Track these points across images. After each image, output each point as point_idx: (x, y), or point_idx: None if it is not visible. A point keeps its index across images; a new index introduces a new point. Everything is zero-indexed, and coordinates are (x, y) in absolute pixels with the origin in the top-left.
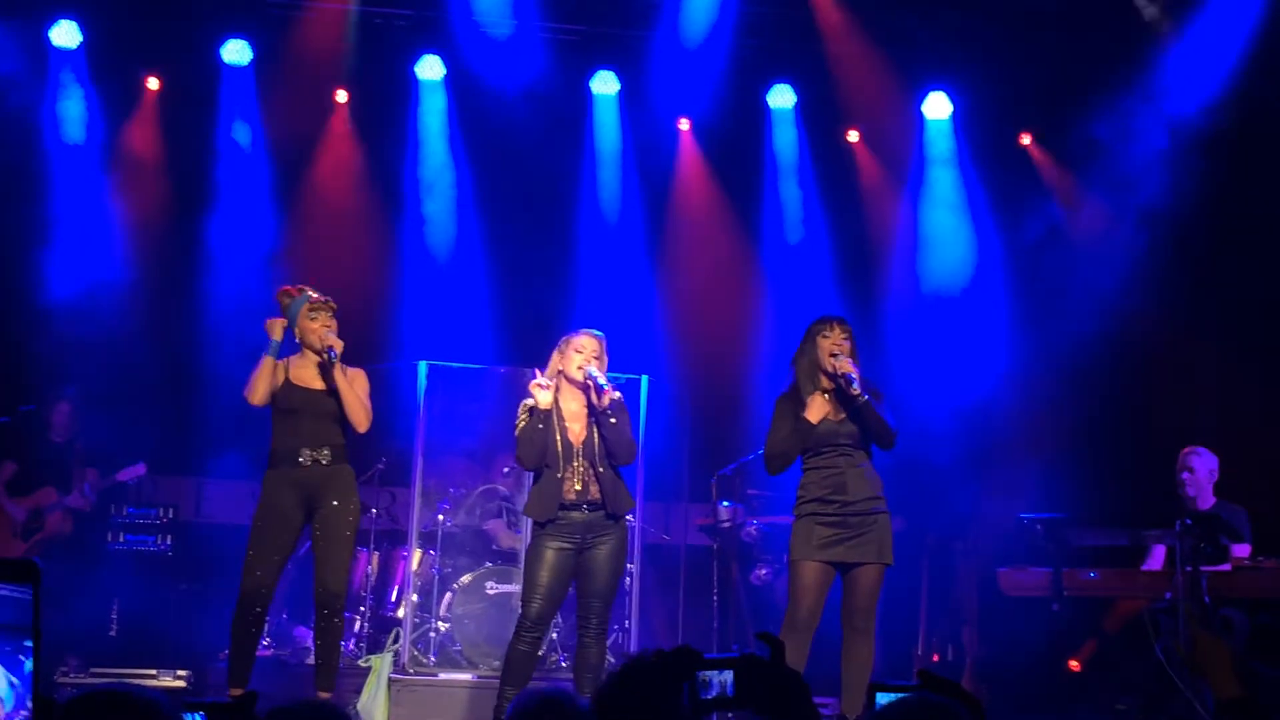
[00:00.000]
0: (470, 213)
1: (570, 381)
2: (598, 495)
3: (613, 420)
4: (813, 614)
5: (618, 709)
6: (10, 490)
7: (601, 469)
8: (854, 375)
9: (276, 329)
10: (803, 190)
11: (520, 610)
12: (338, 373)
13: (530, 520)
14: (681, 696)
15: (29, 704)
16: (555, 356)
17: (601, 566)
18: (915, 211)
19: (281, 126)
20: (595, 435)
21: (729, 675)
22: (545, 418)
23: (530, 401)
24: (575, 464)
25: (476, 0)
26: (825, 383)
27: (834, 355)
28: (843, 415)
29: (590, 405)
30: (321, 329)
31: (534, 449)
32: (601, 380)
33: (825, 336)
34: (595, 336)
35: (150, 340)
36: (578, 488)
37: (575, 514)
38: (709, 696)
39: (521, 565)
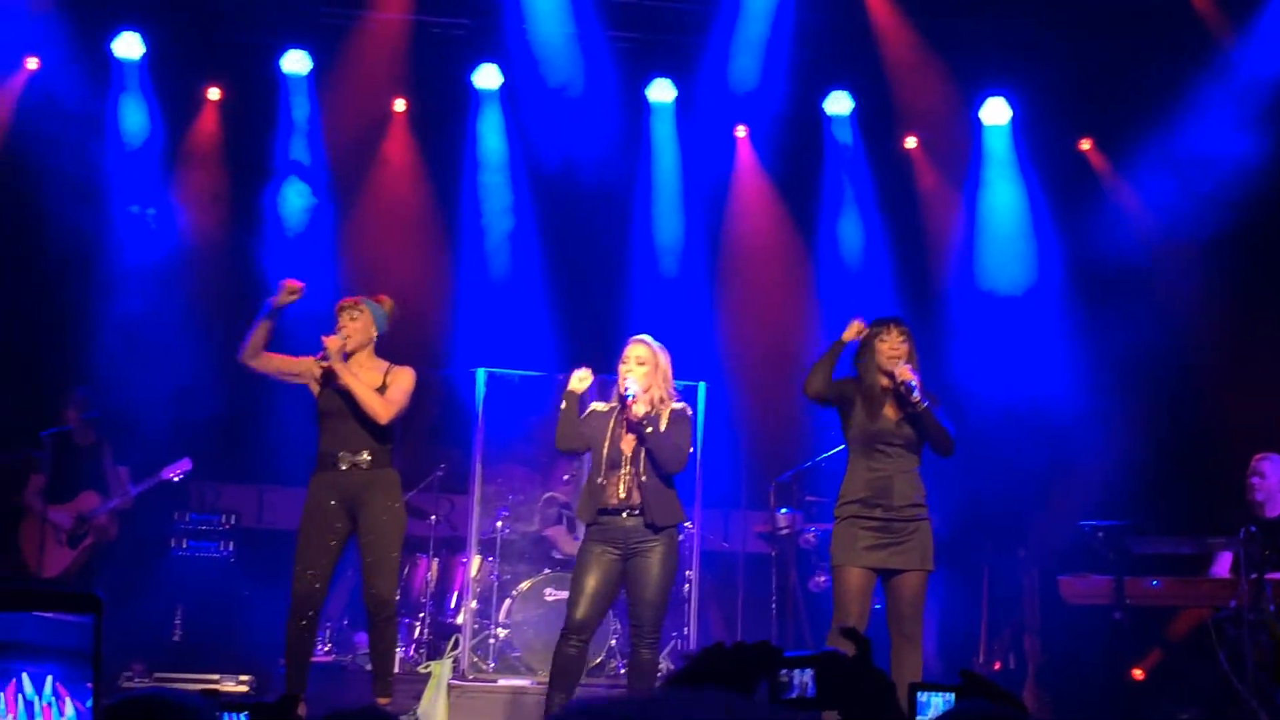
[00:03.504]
0: (528, 220)
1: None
2: (639, 502)
3: (648, 430)
4: (860, 620)
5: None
6: (48, 498)
7: (645, 477)
8: (914, 384)
9: (282, 293)
10: (860, 197)
11: (566, 614)
12: (339, 368)
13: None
14: (758, 694)
15: None
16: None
17: (650, 575)
18: (974, 217)
19: (340, 136)
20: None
21: (810, 674)
22: (584, 413)
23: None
24: (623, 470)
25: (533, 9)
26: (885, 382)
27: (893, 361)
28: (900, 415)
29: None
30: (338, 330)
31: (563, 432)
32: (630, 391)
33: (883, 340)
34: (644, 342)
35: (208, 347)
36: (621, 494)
37: (618, 519)
38: (789, 697)
39: None
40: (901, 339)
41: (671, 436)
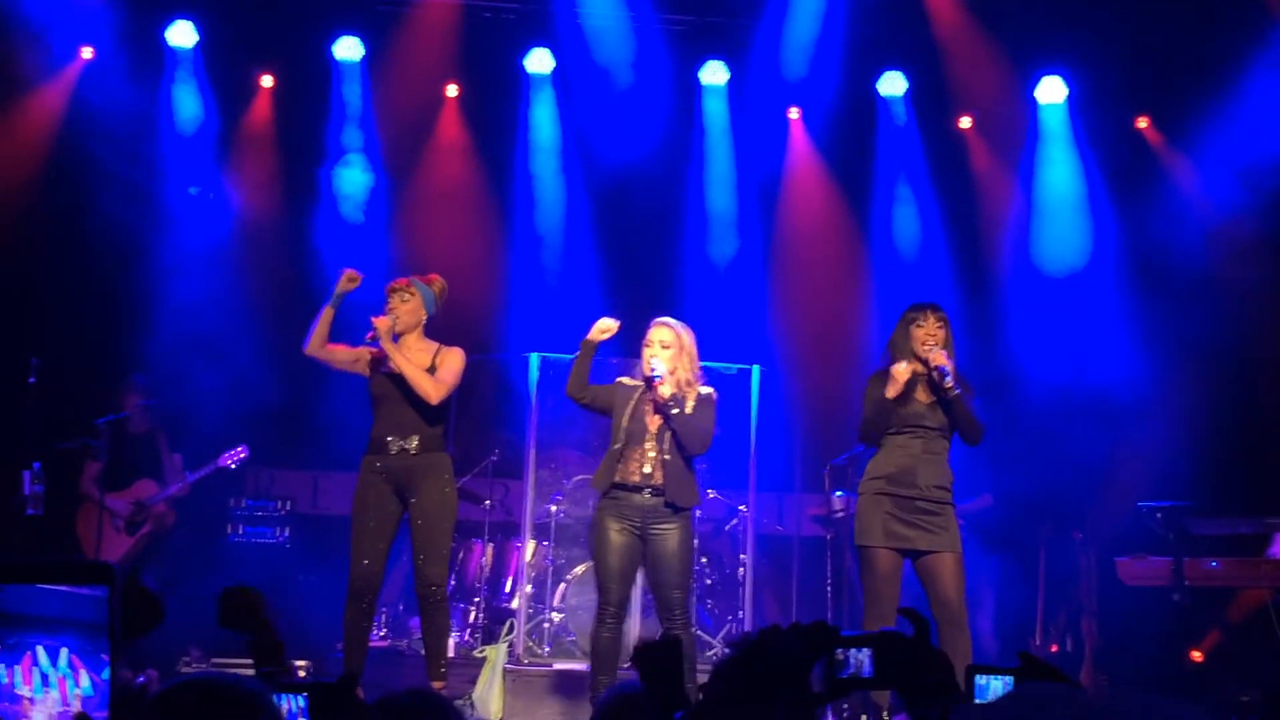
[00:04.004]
0: (581, 204)
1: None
2: (660, 481)
3: (675, 411)
4: (893, 602)
5: (746, 679)
6: (105, 486)
7: (669, 456)
8: (948, 369)
9: (343, 281)
10: (914, 178)
11: (599, 597)
12: (389, 348)
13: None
14: (814, 673)
15: (108, 708)
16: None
17: (674, 558)
18: (1030, 198)
19: (393, 121)
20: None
21: (867, 653)
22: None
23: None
24: (645, 446)
25: None
26: (918, 368)
27: (927, 346)
28: (933, 399)
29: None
30: (388, 312)
31: (572, 379)
32: (658, 372)
33: (920, 325)
34: (668, 325)
35: (262, 334)
36: (646, 469)
37: (637, 496)
38: (846, 675)
39: None
40: (939, 325)
41: (697, 419)
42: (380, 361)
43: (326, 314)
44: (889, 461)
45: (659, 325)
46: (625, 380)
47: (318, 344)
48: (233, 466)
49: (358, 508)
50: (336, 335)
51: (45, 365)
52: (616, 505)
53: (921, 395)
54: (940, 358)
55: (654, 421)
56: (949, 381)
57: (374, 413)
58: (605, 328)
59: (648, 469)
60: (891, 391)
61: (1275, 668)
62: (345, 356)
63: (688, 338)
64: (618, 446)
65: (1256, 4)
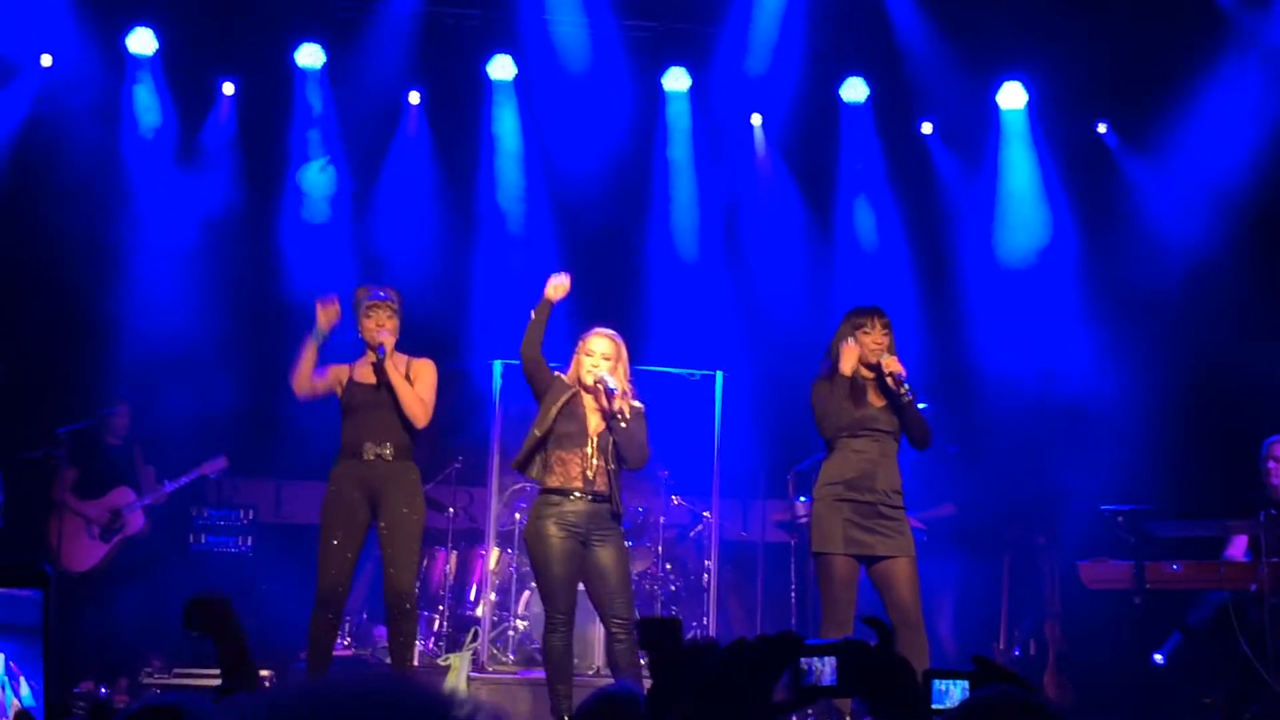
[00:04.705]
0: (543, 211)
1: (581, 382)
2: (605, 488)
3: (623, 425)
4: (851, 607)
5: (716, 695)
6: (80, 494)
7: (613, 466)
8: (904, 375)
9: (323, 314)
10: (877, 183)
11: (545, 606)
12: (390, 368)
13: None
14: (779, 684)
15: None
16: (577, 351)
17: (618, 565)
18: (991, 202)
19: (355, 128)
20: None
21: (830, 662)
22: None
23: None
24: (585, 451)
25: None
26: (865, 373)
27: (877, 351)
28: (884, 403)
29: (600, 406)
30: (374, 326)
31: (529, 338)
32: (613, 385)
33: (866, 332)
34: (606, 336)
35: (224, 341)
36: (588, 474)
37: (580, 503)
38: (808, 683)
39: None
40: (884, 331)
41: (639, 433)
42: (366, 372)
43: (310, 352)
44: (846, 466)
45: (600, 336)
46: (562, 376)
47: (305, 384)
48: (212, 477)
49: (326, 517)
50: (301, 339)
51: (6, 373)
52: (558, 510)
53: (874, 399)
54: (896, 364)
55: (596, 428)
56: (905, 387)
57: (347, 420)
58: (559, 283)
59: (590, 474)
60: (846, 368)
61: (1236, 670)
62: (328, 383)
63: (624, 349)
64: (549, 445)
65: (1211, 10)
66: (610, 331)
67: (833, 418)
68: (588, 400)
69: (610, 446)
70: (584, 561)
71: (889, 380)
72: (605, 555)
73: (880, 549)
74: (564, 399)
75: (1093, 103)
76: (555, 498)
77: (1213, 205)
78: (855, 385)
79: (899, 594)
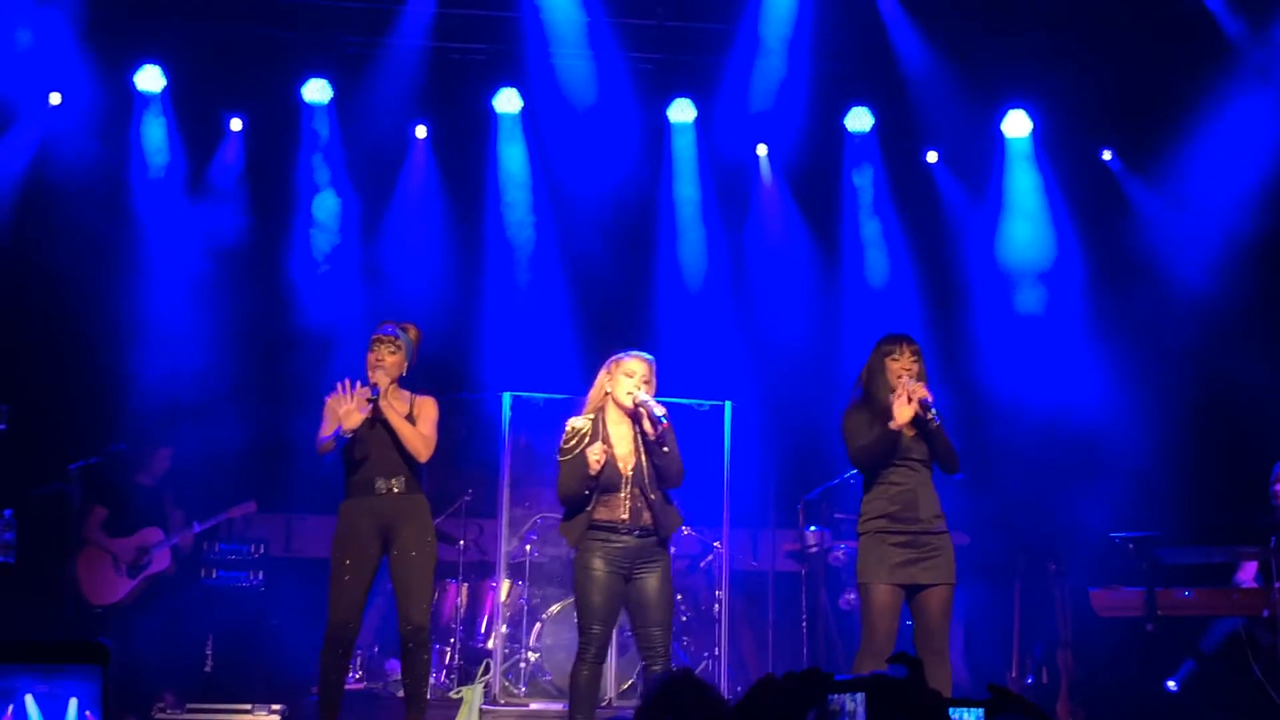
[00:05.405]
0: (551, 243)
1: (618, 405)
2: (650, 522)
3: (665, 449)
4: (890, 637)
5: None
6: (109, 532)
7: (653, 495)
8: (930, 400)
9: (355, 415)
10: (883, 212)
11: (580, 637)
12: (385, 407)
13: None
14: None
15: None
16: (603, 376)
17: (655, 596)
18: (997, 230)
19: (363, 162)
20: (644, 460)
21: (860, 699)
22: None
23: (578, 424)
24: (623, 493)
25: (553, 32)
26: (917, 409)
27: (905, 380)
28: (914, 431)
29: (641, 432)
30: (373, 363)
31: (573, 489)
32: (657, 410)
33: (895, 359)
34: (645, 360)
35: (233, 376)
36: (624, 516)
37: (626, 539)
38: None
39: None
40: (914, 358)
41: (678, 457)
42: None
43: (332, 442)
44: (888, 499)
45: (639, 359)
46: (575, 422)
47: (326, 449)
48: (240, 518)
49: (338, 552)
50: (312, 373)
51: (16, 411)
52: (604, 546)
53: (906, 429)
54: (924, 391)
55: (627, 463)
56: (933, 412)
57: (353, 456)
58: (601, 458)
59: (627, 514)
60: (899, 421)
61: (1249, 695)
62: (334, 424)
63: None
64: (590, 507)
65: (1217, 37)
66: (648, 356)
67: (871, 457)
68: (615, 436)
69: (647, 477)
70: (626, 596)
71: (918, 407)
72: (647, 587)
73: (924, 578)
74: (595, 462)
75: (1098, 130)
76: (603, 533)
77: (1219, 232)
78: (888, 416)
79: (930, 622)
